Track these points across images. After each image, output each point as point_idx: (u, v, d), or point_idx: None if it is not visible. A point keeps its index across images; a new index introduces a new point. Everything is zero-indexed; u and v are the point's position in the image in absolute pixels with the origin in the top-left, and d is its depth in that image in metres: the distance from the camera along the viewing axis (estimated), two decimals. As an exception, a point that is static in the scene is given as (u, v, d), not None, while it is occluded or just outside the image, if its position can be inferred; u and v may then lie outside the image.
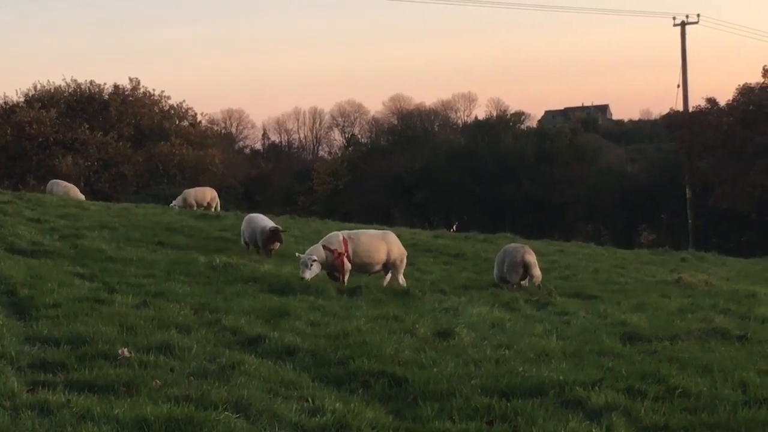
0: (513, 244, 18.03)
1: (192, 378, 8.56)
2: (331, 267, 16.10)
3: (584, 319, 13.69)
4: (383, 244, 16.72)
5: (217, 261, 17.16)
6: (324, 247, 16.07)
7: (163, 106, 67.34)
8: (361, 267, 16.57)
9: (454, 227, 44.58)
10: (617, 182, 64.57)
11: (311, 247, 16.29)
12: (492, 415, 7.86)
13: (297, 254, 16.25)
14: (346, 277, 16.15)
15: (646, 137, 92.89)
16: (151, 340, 9.89)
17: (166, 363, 9.07)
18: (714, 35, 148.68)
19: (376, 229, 19.44)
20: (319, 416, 7.56)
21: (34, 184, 49.86)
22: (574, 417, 7.85)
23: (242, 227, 20.70)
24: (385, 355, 9.93)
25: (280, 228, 20.06)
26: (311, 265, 15.53)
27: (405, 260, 17.07)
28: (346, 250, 16.16)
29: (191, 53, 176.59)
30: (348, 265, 16.20)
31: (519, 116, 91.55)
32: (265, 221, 20.20)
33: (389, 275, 16.74)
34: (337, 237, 16.40)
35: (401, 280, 16.76)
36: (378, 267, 16.76)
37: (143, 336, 10.18)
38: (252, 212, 22.33)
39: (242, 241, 20.66)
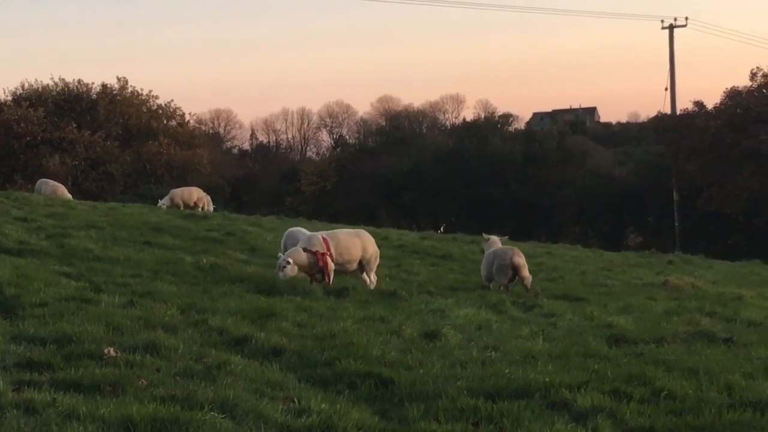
0: (502, 246, 18.03)
1: (178, 378, 8.55)
2: (315, 268, 16.06)
3: (571, 321, 13.73)
4: (358, 240, 16.84)
5: (204, 261, 17.14)
6: (305, 250, 16.00)
7: (151, 106, 67.28)
8: (341, 265, 16.57)
9: (442, 229, 44.66)
10: (605, 185, 64.76)
11: (291, 249, 16.20)
12: (478, 416, 7.86)
13: (279, 255, 16.21)
14: (331, 277, 16.13)
15: (633, 140, 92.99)
16: (138, 340, 9.87)
17: (153, 363, 9.06)
18: (702, 38, 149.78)
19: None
20: (305, 417, 7.55)
21: (22, 183, 49.69)
22: (559, 419, 7.86)
23: (283, 242, 18.21)
24: (371, 356, 9.92)
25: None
26: (284, 267, 15.49)
27: (378, 258, 17.14)
28: (329, 249, 16.16)
29: (179, 53, 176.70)
30: (332, 265, 16.18)
31: (507, 118, 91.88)
32: (307, 233, 17.99)
33: (365, 276, 16.75)
34: (317, 238, 16.35)
35: (373, 277, 16.86)
36: (355, 265, 16.80)
37: (129, 336, 10.16)
38: (238, 213, 21.93)
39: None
